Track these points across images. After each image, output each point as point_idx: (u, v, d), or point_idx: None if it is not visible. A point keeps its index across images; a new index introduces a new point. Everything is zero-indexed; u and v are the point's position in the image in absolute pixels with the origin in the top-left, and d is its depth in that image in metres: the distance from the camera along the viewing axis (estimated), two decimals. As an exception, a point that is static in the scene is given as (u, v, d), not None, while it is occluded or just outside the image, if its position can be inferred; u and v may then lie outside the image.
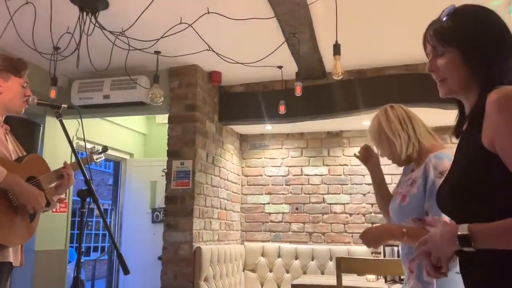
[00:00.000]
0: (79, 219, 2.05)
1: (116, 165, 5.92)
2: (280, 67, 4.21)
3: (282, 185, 5.44)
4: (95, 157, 2.65)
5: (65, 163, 2.26)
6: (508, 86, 1.07)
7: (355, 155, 2.20)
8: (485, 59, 1.14)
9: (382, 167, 2.15)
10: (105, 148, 2.71)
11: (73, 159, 4.30)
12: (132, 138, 5.89)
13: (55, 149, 4.37)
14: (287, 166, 5.46)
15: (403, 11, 3.26)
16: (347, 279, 3.19)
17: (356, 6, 3.19)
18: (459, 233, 1.03)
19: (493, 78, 1.12)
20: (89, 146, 2.60)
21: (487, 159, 1.06)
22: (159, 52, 3.87)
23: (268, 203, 5.45)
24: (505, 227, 0.98)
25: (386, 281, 3.51)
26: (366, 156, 2.15)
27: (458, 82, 1.18)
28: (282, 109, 4.26)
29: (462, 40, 1.16)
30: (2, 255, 1.93)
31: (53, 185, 2.25)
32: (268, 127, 5.24)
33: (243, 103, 4.78)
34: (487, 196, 1.06)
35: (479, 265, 1.08)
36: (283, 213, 5.38)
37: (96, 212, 14.53)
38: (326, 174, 5.33)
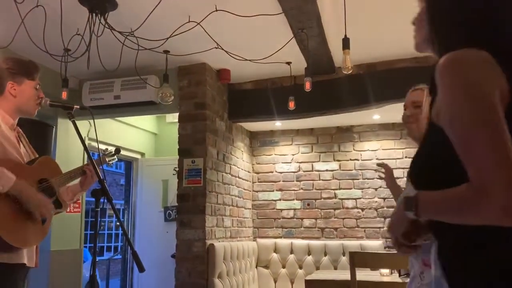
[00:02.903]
0: (93, 219, 2.07)
1: (128, 165, 5.96)
2: (289, 63, 4.20)
3: (293, 181, 5.43)
4: (108, 159, 2.67)
5: (87, 163, 2.31)
6: (455, 52, 0.96)
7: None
8: (445, 16, 1.05)
9: None
10: (118, 150, 2.72)
11: (86, 160, 4.34)
12: (143, 137, 5.92)
13: (68, 150, 4.41)
14: (297, 162, 5.46)
15: (412, 2, 3.23)
16: (361, 274, 3.19)
17: None
18: (407, 195, 1.01)
19: (450, 40, 1.02)
20: (101, 146, 2.62)
21: (435, 134, 0.99)
22: (168, 51, 3.88)
23: (280, 200, 5.45)
24: (442, 196, 0.94)
25: (400, 275, 3.49)
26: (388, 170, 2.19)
27: (421, 37, 1.13)
28: (291, 105, 4.25)
29: None
30: (16, 257, 1.95)
31: (71, 183, 2.29)
32: (277, 124, 5.24)
33: (252, 100, 4.78)
34: (435, 172, 1.00)
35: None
36: (294, 209, 5.38)
37: (109, 212, 14.67)
38: (337, 169, 5.31)
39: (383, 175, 2.19)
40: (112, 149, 2.72)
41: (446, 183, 0.93)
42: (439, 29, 1.06)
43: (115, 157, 2.71)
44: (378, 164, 2.21)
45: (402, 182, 2.17)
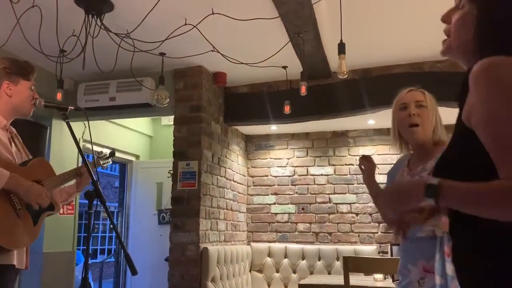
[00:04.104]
0: (87, 221, 2.06)
1: (122, 167, 5.94)
2: (284, 67, 4.21)
3: (288, 185, 5.43)
4: (102, 162, 2.66)
5: (83, 164, 2.30)
6: (494, 57, 0.96)
7: (360, 166, 2.10)
8: (497, 25, 1.02)
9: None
10: (112, 153, 2.71)
11: (80, 161, 4.33)
12: (138, 140, 5.91)
13: (62, 151, 4.39)
14: (292, 166, 5.46)
15: (408, 8, 3.25)
16: (355, 279, 3.19)
17: (361, 4, 3.18)
18: (428, 182, 0.99)
19: (491, 47, 1.00)
20: (95, 148, 2.61)
21: (465, 135, 1.01)
22: (164, 54, 3.88)
23: (274, 204, 5.45)
24: (471, 187, 0.94)
25: (393, 280, 3.49)
26: (370, 166, 2.07)
27: (459, 41, 1.09)
28: (287, 109, 4.25)
29: None
30: (7, 258, 1.94)
31: (65, 185, 2.28)
32: (273, 128, 5.24)
33: (248, 104, 4.78)
34: (463, 171, 1.01)
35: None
36: (289, 213, 5.38)
37: (102, 214, 14.60)
38: (332, 174, 5.32)
39: (363, 167, 2.07)
40: (106, 152, 2.71)
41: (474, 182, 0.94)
42: (490, 36, 1.03)
43: (110, 160, 2.70)
44: (363, 156, 2.08)
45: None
